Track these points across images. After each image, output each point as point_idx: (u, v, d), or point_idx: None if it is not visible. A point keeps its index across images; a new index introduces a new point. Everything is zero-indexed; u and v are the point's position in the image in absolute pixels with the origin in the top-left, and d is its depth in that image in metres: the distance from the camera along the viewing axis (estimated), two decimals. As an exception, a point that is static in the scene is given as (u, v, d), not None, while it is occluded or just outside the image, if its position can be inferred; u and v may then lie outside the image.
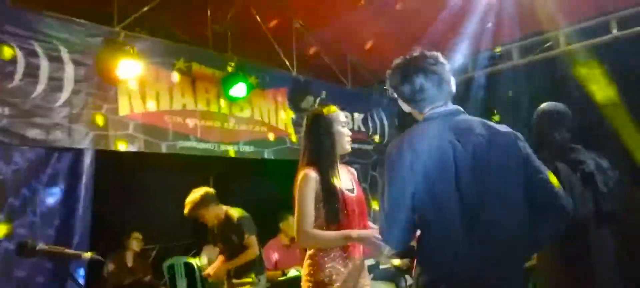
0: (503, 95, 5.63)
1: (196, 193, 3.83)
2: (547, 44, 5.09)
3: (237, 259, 3.82)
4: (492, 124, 1.65)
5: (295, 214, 2.14)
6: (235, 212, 3.93)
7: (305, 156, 2.25)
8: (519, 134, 1.63)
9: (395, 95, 1.78)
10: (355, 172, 2.43)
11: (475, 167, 1.54)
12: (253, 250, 3.83)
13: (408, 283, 5.17)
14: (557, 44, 5.04)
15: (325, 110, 2.33)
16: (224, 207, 3.93)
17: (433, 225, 1.55)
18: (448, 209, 1.52)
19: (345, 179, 2.27)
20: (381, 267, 5.07)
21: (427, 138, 1.57)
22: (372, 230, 2.12)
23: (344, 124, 2.30)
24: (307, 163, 2.21)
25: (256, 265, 3.96)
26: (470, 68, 5.62)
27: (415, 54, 1.72)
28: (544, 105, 2.20)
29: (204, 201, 3.78)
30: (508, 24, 4.55)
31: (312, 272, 2.14)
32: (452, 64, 1.77)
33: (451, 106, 1.71)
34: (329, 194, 2.13)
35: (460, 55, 4.93)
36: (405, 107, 1.77)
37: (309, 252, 2.20)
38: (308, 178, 2.13)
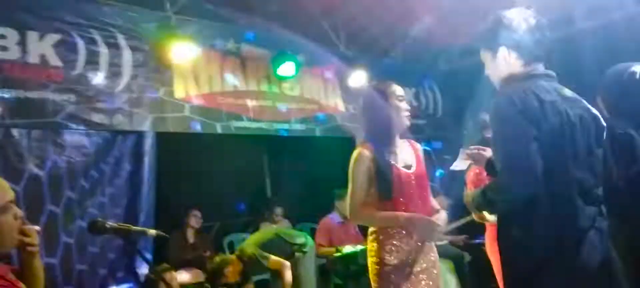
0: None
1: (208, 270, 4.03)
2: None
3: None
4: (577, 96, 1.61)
5: (348, 192, 2.13)
6: (246, 250, 4.03)
7: (364, 133, 2.22)
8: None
9: (486, 49, 1.70)
10: (419, 147, 2.33)
11: (581, 132, 1.50)
12: (286, 271, 4.02)
13: (466, 260, 5.04)
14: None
15: (381, 86, 2.26)
16: (234, 256, 4.07)
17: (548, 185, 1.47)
18: (566, 171, 1.48)
19: (404, 155, 2.20)
20: (438, 243, 4.96)
21: (546, 93, 1.51)
22: (425, 217, 2.04)
23: (400, 98, 2.22)
24: (363, 141, 2.18)
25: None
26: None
27: (522, 8, 1.65)
28: (634, 65, 1.98)
29: (218, 271, 3.92)
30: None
31: (375, 248, 2.12)
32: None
33: (544, 69, 1.64)
34: (382, 171, 2.08)
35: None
36: (497, 64, 1.67)
37: (370, 229, 2.18)
38: (361, 156, 2.11)
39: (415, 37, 6.03)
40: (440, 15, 5.24)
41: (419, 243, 2.13)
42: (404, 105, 2.21)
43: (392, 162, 2.11)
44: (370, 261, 2.15)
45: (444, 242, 5.15)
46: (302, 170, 6.04)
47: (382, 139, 2.14)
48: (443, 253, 5.06)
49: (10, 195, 1.49)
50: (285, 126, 4.81)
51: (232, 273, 3.96)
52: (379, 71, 5.63)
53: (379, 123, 2.16)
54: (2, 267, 1.48)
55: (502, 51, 1.64)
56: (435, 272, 2.18)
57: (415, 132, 6.24)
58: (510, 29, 1.62)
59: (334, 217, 5.07)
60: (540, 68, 1.62)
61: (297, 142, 5.16)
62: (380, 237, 2.11)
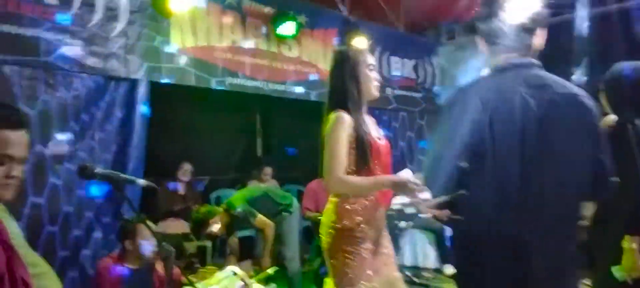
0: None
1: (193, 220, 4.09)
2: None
3: (266, 249, 4.10)
4: (569, 84, 1.54)
5: (325, 158, 1.99)
6: (235, 204, 4.05)
7: (332, 99, 2.12)
8: (594, 104, 1.53)
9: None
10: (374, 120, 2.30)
11: (541, 128, 1.46)
12: (268, 230, 4.07)
13: (448, 234, 5.16)
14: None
15: (351, 51, 2.18)
16: (221, 208, 4.09)
17: (487, 182, 1.48)
18: (505, 168, 1.46)
19: (371, 125, 2.16)
20: (421, 216, 5.07)
21: (496, 89, 1.50)
22: (407, 175, 1.98)
23: (371, 67, 2.14)
24: (333, 107, 2.08)
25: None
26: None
27: None
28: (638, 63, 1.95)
29: (203, 222, 3.97)
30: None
31: (338, 219, 2.04)
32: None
33: (528, 58, 1.58)
34: (362, 139, 2.02)
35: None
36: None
37: (332, 199, 2.08)
38: (342, 120, 2.00)
39: (420, 9, 5.95)
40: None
41: (382, 216, 2.14)
42: (374, 74, 2.14)
43: (368, 131, 2.07)
44: (328, 230, 2.04)
45: (428, 216, 5.26)
46: (294, 133, 6.05)
47: (353, 107, 2.06)
48: (425, 226, 5.22)
49: (16, 151, 1.40)
50: (281, 87, 4.78)
51: (219, 226, 4.03)
52: (380, 39, 5.58)
53: (349, 90, 2.08)
54: None
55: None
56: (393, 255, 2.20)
57: (412, 105, 6.27)
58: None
59: (321, 181, 5.12)
60: (523, 57, 1.57)
61: (292, 104, 5.15)
62: (348, 206, 2.03)
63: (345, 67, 2.12)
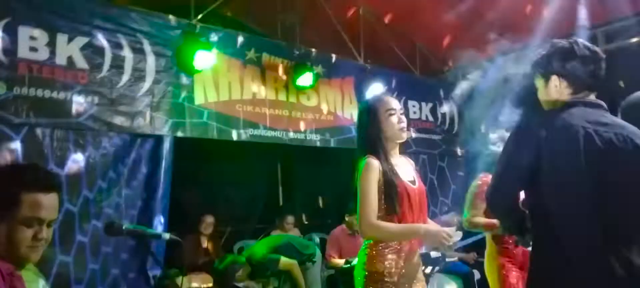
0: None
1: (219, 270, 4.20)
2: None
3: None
4: (624, 124, 1.59)
5: (359, 203, 2.05)
6: (256, 253, 4.14)
7: (360, 147, 2.18)
8: None
9: (540, 75, 1.72)
10: (413, 163, 2.32)
11: (608, 165, 1.48)
12: (296, 269, 4.09)
13: (476, 278, 5.00)
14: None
15: (370, 99, 2.27)
16: (245, 261, 4.18)
17: (554, 216, 1.52)
18: (572, 203, 1.49)
19: (405, 170, 2.17)
20: (447, 259, 4.94)
21: (564, 121, 1.56)
22: (441, 227, 2.01)
23: (392, 111, 2.16)
24: (362, 153, 2.13)
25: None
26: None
27: (574, 38, 1.68)
28: None
29: (230, 271, 4.04)
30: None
31: (368, 262, 2.06)
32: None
33: (594, 99, 1.65)
34: (389, 184, 2.05)
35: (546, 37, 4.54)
36: (548, 90, 1.68)
37: (366, 242, 2.11)
38: (371, 166, 2.05)
39: (434, 52, 6.04)
40: (459, 30, 5.25)
41: (417, 261, 2.11)
42: (394, 118, 2.16)
43: (398, 175, 2.09)
44: (361, 273, 2.06)
45: (454, 259, 5.12)
46: (315, 181, 6.06)
47: (380, 152, 2.10)
48: (452, 271, 5.07)
49: (46, 213, 1.41)
50: (301, 136, 4.85)
51: (242, 275, 4.04)
52: (396, 84, 5.66)
53: (373, 136, 2.13)
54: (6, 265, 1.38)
55: (554, 79, 1.67)
56: None
57: (431, 147, 6.25)
58: (564, 58, 1.65)
59: (344, 229, 5.08)
60: (589, 97, 1.63)
61: (312, 152, 5.19)
62: (380, 251, 2.04)
63: (367, 115, 2.19)
